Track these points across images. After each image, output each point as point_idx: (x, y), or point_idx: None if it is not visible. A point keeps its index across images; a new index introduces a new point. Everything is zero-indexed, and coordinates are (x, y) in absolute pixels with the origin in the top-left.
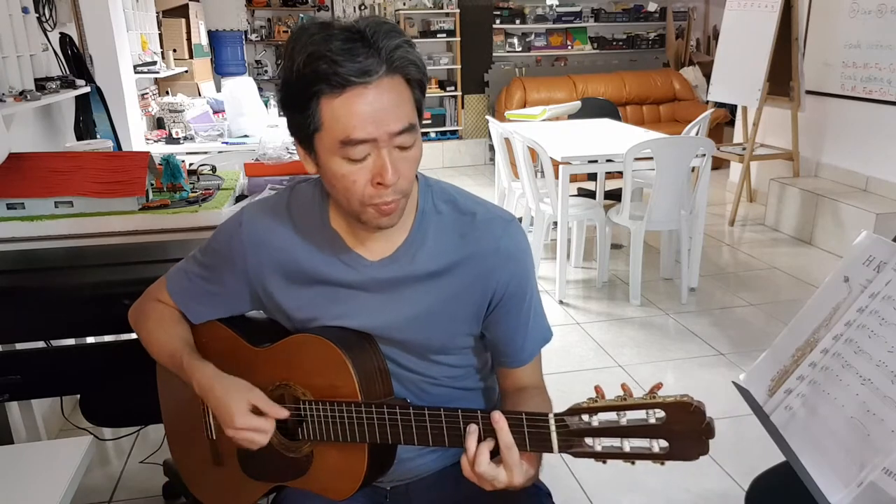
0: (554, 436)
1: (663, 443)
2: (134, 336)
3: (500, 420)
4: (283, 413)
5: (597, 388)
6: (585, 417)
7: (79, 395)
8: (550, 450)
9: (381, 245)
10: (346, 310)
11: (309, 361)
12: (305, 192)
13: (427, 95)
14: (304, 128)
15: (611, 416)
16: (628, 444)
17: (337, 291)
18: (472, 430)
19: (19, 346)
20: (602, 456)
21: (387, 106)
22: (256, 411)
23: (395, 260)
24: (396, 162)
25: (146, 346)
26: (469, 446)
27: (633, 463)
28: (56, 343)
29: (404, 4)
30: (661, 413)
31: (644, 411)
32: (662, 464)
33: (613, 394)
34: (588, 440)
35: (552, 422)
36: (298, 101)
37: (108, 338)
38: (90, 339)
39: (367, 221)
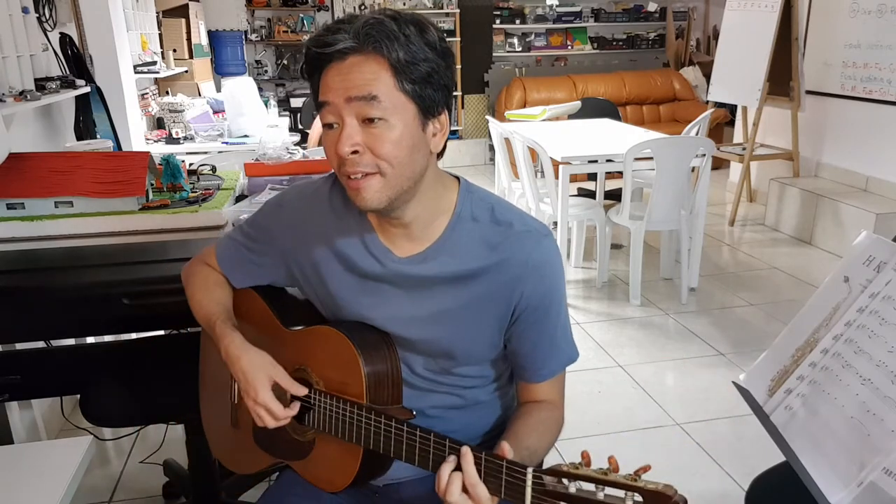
0: (528, 490)
1: None
2: (133, 336)
3: (465, 455)
4: (302, 391)
5: (583, 454)
6: (565, 481)
7: (79, 395)
8: (522, 503)
9: (412, 243)
10: (371, 301)
11: (326, 353)
12: None
13: None
14: (315, 102)
15: (590, 486)
16: None
17: (364, 282)
18: (451, 461)
19: (19, 346)
20: None
21: (353, 77)
22: (276, 387)
23: (423, 259)
24: (359, 135)
25: (190, 305)
26: (442, 474)
27: None
28: (56, 343)
29: (404, 4)
30: (639, 498)
31: (623, 491)
32: None
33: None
34: None
35: (529, 477)
36: (309, 79)
37: (108, 338)
38: (90, 339)
39: (352, 201)
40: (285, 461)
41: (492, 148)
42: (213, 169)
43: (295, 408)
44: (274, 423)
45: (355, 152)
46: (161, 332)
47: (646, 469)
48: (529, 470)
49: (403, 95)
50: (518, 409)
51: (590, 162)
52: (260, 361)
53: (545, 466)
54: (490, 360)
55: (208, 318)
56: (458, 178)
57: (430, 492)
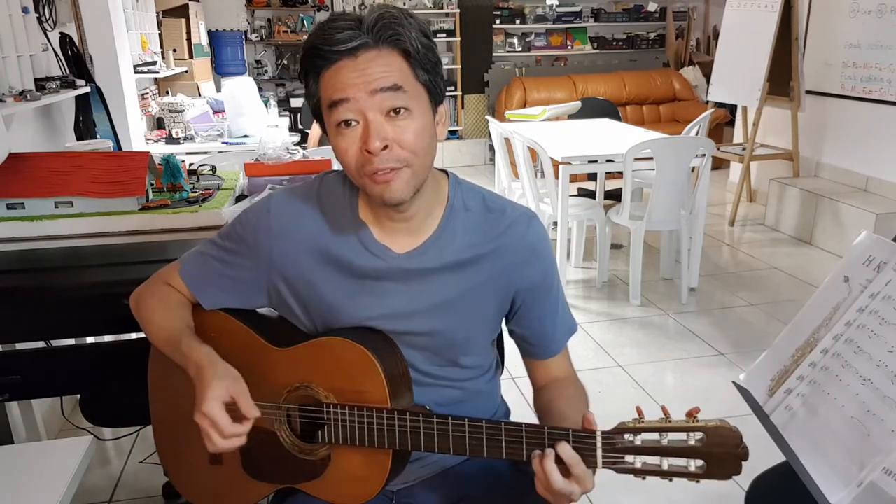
0: (599, 452)
1: (700, 462)
2: (133, 336)
3: (560, 444)
4: (255, 413)
5: (638, 409)
6: (629, 436)
7: (79, 395)
8: (595, 465)
9: (409, 238)
10: (372, 301)
11: (334, 365)
12: (335, 182)
13: None
14: (312, 104)
15: (653, 436)
16: (667, 463)
17: (363, 282)
18: (535, 455)
19: (19, 346)
20: (642, 472)
21: (371, 70)
22: (232, 403)
23: (422, 252)
24: (386, 129)
25: (144, 327)
26: (537, 469)
27: (670, 480)
28: (56, 343)
29: (404, 4)
30: (700, 435)
31: (685, 433)
32: (697, 482)
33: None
34: (629, 457)
35: (599, 439)
36: (304, 81)
37: (108, 338)
38: (90, 339)
39: (372, 195)
40: (292, 485)
41: (492, 148)
42: (213, 169)
43: (247, 425)
44: (221, 442)
45: (385, 147)
46: None
47: (697, 410)
48: (598, 432)
49: (419, 84)
50: (546, 392)
51: (590, 162)
52: (223, 373)
53: None
54: (488, 345)
55: (170, 337)
56: (445, 171)
57: (440, 490)
